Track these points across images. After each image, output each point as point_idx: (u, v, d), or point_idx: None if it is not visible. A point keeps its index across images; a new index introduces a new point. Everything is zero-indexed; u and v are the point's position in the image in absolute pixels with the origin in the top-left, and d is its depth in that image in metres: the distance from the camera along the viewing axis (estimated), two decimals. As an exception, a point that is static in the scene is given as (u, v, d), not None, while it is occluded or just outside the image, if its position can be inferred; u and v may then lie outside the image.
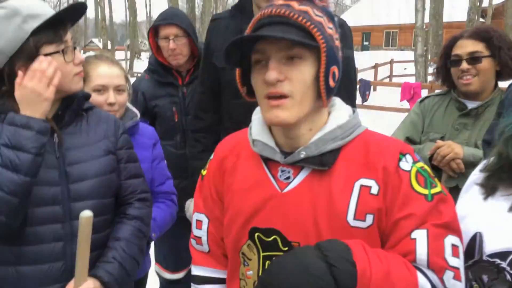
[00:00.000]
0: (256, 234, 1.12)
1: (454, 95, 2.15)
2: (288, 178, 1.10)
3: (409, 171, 1.04)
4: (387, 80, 19.09)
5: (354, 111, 1.15)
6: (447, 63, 2.15)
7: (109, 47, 30.10)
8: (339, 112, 1.12)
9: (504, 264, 1.01)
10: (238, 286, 1.19)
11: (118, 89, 1.86)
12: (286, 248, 1.08)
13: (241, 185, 1.16)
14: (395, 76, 19.56)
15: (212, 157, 1.28)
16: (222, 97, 2.04)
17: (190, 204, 2.18)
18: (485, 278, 1.05)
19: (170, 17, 2.50)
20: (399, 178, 1.03)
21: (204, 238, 1.27)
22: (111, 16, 38.68)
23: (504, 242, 1.02)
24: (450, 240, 1.01)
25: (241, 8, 1.97)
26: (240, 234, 1.15)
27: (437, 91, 2.32)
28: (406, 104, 11.72)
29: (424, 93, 11.58)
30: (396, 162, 1.05)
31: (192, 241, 1.32)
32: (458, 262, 1.01)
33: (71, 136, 1.44)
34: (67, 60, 1.37)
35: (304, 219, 1.06)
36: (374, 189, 1.04)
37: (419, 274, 0.99)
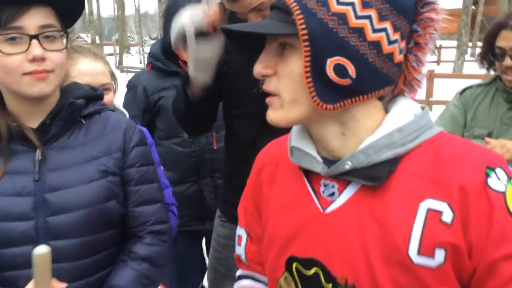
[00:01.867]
0: (294, 265, 0.90)
1: (501, 84, 1.90)
2: (332, 194, 0.86)
3: (504, 192, 0.76)
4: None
5: (423, 109, 0.86)
6: (490, 53, 1.91)
7: (98, 41, 29.82)
8: (399, 110, 0.84)
9: None
10: None
11: (103, 88, 1.56)
12: (330, 285, 0.84)
13: (279, 202, 0.95)
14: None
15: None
16: (223, 108, 1.73)
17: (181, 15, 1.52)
18: None
19: None
20: (488, 202, 0.75)
21: (243, 257, 1.10)
22: (98, 10, 38.03)
23: None
24: None
25: None
26: (276, 264, 0.94)
27: (478, 81, 2.05)
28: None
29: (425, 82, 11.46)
30: (482, 180, 0.76)
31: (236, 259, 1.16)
32: None
33: (59, 152, 1.15)
34: (3, 51, 1.04)
35: (350, 248, 0.82)
36: (447, 216, 0.75)
37: None
